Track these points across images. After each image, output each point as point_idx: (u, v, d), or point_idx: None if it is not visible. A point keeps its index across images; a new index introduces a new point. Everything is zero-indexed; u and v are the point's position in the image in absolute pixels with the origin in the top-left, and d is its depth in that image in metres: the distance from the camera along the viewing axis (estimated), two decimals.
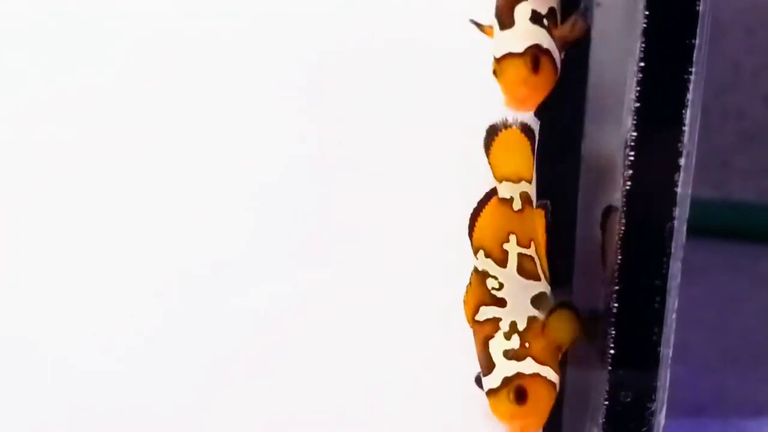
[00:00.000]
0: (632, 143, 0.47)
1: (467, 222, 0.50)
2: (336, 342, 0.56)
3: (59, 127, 0.55)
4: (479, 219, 0.50)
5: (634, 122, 0.47)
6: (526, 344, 0.50)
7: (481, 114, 0.49)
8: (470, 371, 0.51)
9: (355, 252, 0.55)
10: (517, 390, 0.49)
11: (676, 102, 0.47)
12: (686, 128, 0.47)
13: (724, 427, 0.81)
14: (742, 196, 1.08)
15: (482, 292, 0.50)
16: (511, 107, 0.47)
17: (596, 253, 0.53)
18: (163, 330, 0.56)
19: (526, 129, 0.49)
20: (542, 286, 0.50)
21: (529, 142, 0.49)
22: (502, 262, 0.50)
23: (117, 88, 0.54)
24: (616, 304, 0.49)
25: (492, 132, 0.49)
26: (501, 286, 0.50)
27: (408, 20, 0.53)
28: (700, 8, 0.46)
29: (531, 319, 0.50)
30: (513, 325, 0.50)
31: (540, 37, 0.47)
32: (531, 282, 0.50)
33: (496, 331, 0.50)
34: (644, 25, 0.46)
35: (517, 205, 0.49)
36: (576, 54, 0.50)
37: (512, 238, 0.50)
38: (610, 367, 0.49)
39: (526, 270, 0.50)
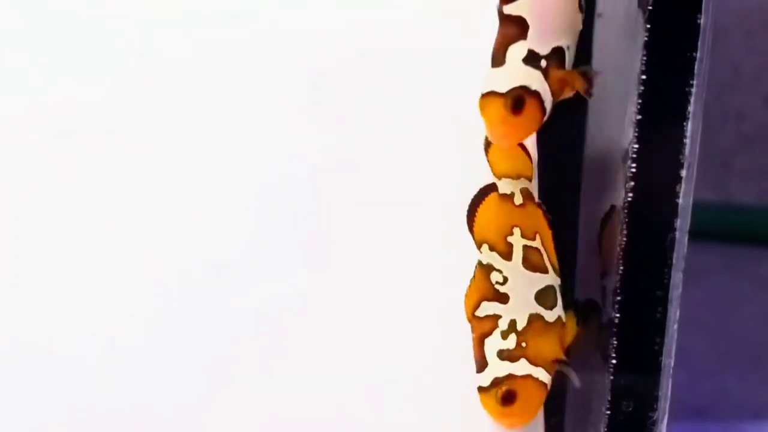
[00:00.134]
0: (634, 155, 0.48)
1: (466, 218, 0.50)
2: (336, 342, 0.56)
3: (60, 127, 0.55)
4: (480, 214, 0.50)
5: (636, 134, 0.48)
6: (523, 344, 0.50)
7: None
8: (470, 371, 0.51)
9: (355, 252, 0.55)
10: (505, 393, 0.49)
11: (678, 114, 0.47)
12: (687, 140, 0.47)
13: (724, 429, 0.81)
14: (742, 198, 1.08)
15: (486, 287, 0.50)
16: (493, 141, 0.48)
17: (595, 251, 0.53)
18: (163, 330, 0.56)
19: None
20: (550, 279, 0.50)
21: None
22: (507, 255, 0.50)
23: (118, 88, 0.54)
24: (618, 314, 0.49)
25: None
26: (505, 280, 0.50)
27: (408, 21, 0.53)
28: (702, 21, 0.46)
29: (533, 317, 0.50)
30: (512, 324, 0.50)
31: (530, 78, 0.46)
32: (537, 275, 0.50)
33: (494, 329, 0.50)
34: (646, 38, 0.47)
35: (518, 200, 0.49)
36: (577, 64, 0.50)
37: (516, 231, 0.50)
38: (612, 376, 0.50)
39: (532, 262, 0.50)
